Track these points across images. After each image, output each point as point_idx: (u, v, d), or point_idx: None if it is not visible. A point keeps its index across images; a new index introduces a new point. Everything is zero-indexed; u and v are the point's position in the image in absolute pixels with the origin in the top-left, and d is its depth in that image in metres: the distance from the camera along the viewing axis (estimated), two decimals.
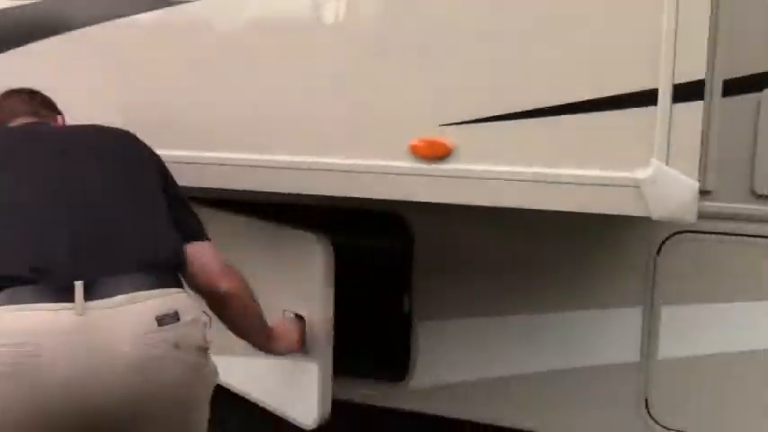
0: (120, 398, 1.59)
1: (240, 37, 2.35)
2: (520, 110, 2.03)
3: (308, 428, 2.42)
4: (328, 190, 2.25)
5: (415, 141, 2.12)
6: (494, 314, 2.70)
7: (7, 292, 1.59)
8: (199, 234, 1.99)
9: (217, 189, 2.40)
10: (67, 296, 1.58)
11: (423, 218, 2.71)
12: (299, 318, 2.39)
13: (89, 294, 1.59)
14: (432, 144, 2.11)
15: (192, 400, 1.76)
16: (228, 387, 2.51)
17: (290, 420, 2.48)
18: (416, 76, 2.12)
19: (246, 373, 2.50)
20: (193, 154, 2.36)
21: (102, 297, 1.61)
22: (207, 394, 1.82)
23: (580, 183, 2.02)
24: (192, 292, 1.90)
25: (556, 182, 2.04)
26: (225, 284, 1.97)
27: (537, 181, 2.05)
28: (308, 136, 2.26)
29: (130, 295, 1.63)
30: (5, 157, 1.91)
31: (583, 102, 1.99)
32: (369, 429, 3.34)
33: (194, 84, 2.39)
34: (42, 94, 2.26)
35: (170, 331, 1.65)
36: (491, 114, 2.06)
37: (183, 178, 2.15)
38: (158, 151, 2.12)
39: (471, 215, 2.55)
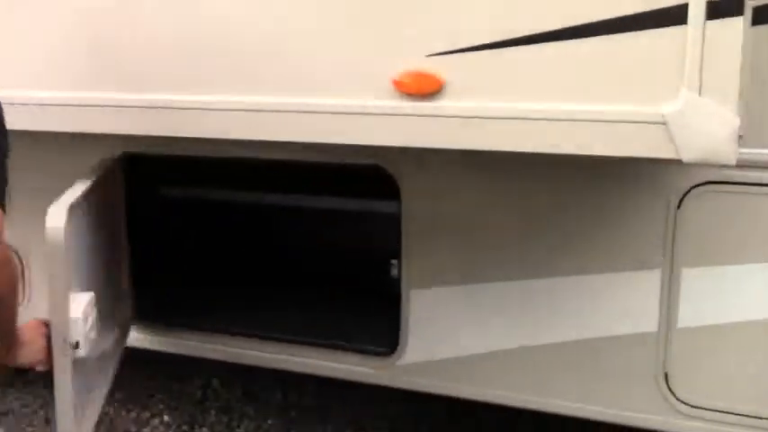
0: None
1: None
2: (524, 34, 1.72)
3: None
4: (300, 135, 1.94)
5: (398, 76, 1.80)
6: (495, 280, 2.39)
7: None
8: None
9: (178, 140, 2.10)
10: None
11: (411, 171, 2.39)
12: (46, 323, 2.00)
13: None
14: (419, 78, 1.79)
15: None
16: None
17: None
18: None
19: None
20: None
21: None
22: None
23: (595, 120, 1.71)
24: None
25: (569, 119, 1.73)
26: None
27: (545, 119, 1.74)
28: (278, 72, 1.94)
29: None
30: None
31: (599, 23, 1.67)
32: (354, 409, 3.08)
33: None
34: None
35: None
36: (490, 41, 1.74)
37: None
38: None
39: (468, 166, 2.25)
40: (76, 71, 2.20)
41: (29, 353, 1.92)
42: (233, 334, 2.71)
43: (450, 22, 1.76)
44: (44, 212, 1.96)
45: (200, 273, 2.98)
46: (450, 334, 2.47)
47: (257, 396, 3.37)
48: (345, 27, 1.86)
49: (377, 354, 2.54)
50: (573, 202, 2.29)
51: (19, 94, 2.25)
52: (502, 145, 1.79)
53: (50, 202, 1.99)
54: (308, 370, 2.64)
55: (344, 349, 2.55)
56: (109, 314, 2.42)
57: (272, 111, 1.93)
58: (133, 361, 3.53)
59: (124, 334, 2.75)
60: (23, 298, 2.82)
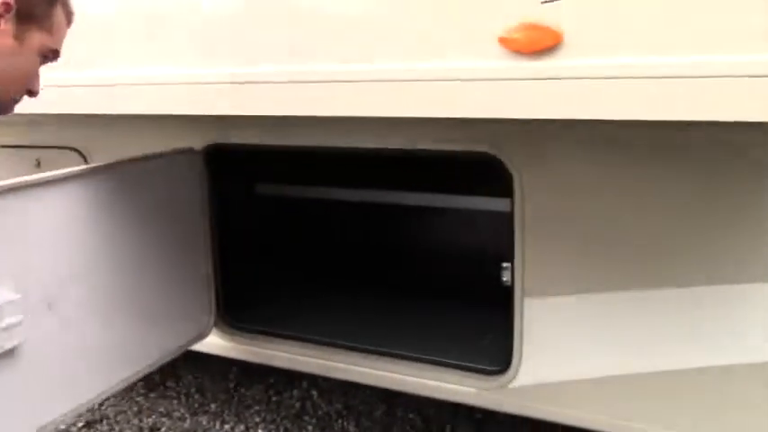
0: None
1: None
2: None
3: None
4: (387, 109, 1.62)
5: (506, 30, 1.46)
6: (630, 288, 1.98)
7: None
8: None
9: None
10: None
11: (529, 161, 2.03)
12: None
13: None
14: (531, 31, 1.43)
15: None
16: None
17: None
18: None
19: None
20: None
21: None
22: None
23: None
24: None
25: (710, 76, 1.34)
26: None
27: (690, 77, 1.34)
28: (358, 37, 1.64)
29: None
30: None
31: None
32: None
33: None
34: None
35: None
36: None
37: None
38: None
39: (595, 154, 1.87)
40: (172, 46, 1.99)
41: None
42: (325, 344, 2.42)
43: None
44: None
45: (293, 277, 2.72)
46: (571, 351, 2.08)
47: (359, 411, 3.09)
48: None
49: (486, 373, 2.18)
50: (715, 197, 1.85)
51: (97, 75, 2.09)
52: (638, 112, 1.41)
53: None
54: (407, 388, 2.31)
55: (447, 366, 2.20)
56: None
57: (365, 81, 1.62)
58: (229, 369, 3.38)
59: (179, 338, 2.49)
60: None
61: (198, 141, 2.36)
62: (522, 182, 2.04)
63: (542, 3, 1.40)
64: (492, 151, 2.03)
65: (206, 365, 3.42)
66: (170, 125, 2.25)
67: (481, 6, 1.49)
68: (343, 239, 2.82)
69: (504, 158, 2.04)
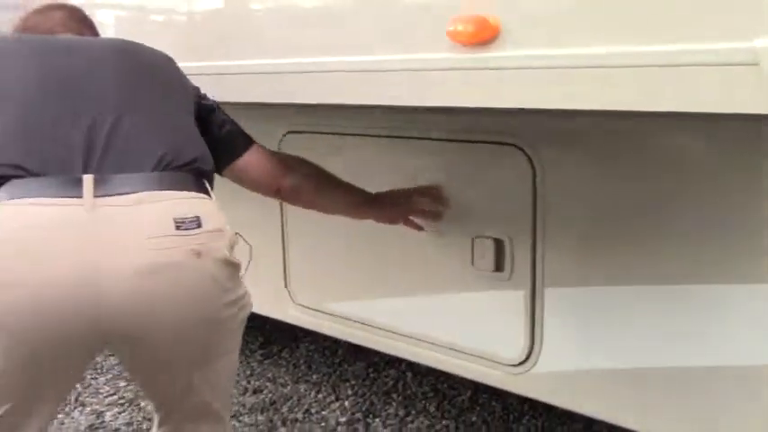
0: (134, 303, 1.40)
1: None
2: None
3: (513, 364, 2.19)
4: (353, 97, 1.77)
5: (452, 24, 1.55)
6: (652, 281, 1.95)
7: (9, 184, 1.43)
8: (248, 141, 1.91)
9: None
10: (72, 190, 1.41)
11: (551, 149, 2.06)
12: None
13: (100, 190, 1.42)
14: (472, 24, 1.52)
15: (216, 320, 1.53)
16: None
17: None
18: None
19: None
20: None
21: (114, 194, 1.42)
22: (235, 318, 1.58)
23: (687, 64, 1.30)
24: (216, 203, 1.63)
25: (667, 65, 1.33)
26: (287, 180, 1.92)
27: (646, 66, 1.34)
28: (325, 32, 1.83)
29: (147, 194, 1.44)
30: (18, 51, 1.73)
31: None
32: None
33: None
34: (83, 13, 2.09)
35: (189, 237, 1.44)
36: None
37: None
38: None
39: (613, 142, 1.89)
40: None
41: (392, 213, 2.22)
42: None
43: None
44: None
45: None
46: (593, 342, 2.09)
47: (444, 394, 3.22)
48: None
49: (508, 362, 2.24)
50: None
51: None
52: (574, 102, 1.45)
53: None
54: (441, 367, 2.44)
55: (474, 353, 2.29)
56: None
57: (333, 71, 1.79)
58: (339, 346, 3.64)
59: None
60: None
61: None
62: (544, 173, 2.08)
63: None
64: (513, 141, 2.10)
65: (318, 341, 3.72)
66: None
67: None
68: None
69: (526, 147, 2.10)
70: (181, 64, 1.87)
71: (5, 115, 1.54)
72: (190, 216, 1.45)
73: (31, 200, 1.41)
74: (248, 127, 1.93)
